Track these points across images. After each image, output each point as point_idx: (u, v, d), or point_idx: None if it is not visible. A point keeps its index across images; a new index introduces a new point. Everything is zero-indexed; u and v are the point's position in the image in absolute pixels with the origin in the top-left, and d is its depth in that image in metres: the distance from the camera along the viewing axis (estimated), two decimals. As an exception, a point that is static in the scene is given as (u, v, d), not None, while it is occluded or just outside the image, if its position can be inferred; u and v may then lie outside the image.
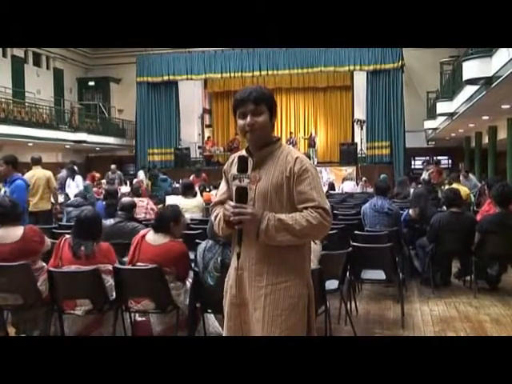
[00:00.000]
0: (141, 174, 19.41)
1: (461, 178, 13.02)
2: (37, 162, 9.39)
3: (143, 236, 4.65)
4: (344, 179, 17.33)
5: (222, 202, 2.63)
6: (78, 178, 13.86)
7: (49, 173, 9.40)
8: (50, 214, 9.47)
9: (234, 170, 2.56)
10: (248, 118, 2.47)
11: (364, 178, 17.37)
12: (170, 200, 9.15)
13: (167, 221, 4.64)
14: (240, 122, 2.51)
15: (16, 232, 4.69)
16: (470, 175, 15.19)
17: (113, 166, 17.66)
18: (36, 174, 9.17)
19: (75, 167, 14.21)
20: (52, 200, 9.45)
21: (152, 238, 4.61)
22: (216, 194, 2.83)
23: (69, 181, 13.46)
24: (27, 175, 9.24)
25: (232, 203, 2.43)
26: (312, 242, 4.41)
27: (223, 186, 2.73)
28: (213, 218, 2.66)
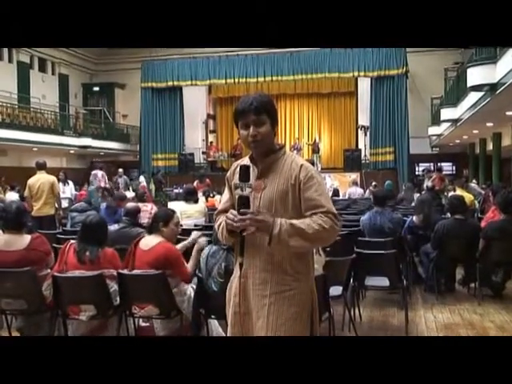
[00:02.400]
0: (142, 180, 19.45)
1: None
2: (41, 167, 9.43)
3: (137, 243, 4.68)
4: (352, 183, 17.24)
5: (225, 211, 2.61)
6: (71, 183, 14.56)
7: (53, 178, 9.43)
8: (54, 219, 9.50)
9: (237, 179, 2.56)
10: (251, 130, 2.46)
11: (374, 183, 17.29)
12: (172, 205, 9.15)
13: (157, 221, 4.72)
14: (243, 132, 2.50)
15: (22, 240, 4.71)
16: (472, 184, 15.16)
17: (120, 170, 17.73)
18: (40, 179, 9.20)
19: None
20: (56, 205, 9.49)
21: (144, 242, 4.65)
22: (220, 201, 2.83)
23: (63, 187, 13.76)
24: (31, 180, 9.28)
25: (235, 212, 2.40)
26: (317, 254, 4.42)
27: (226, 193, 2.72)
28: (216, 226, 2.65)
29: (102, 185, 15.04)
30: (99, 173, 15.95)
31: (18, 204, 5.20)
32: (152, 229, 4.73)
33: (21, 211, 4.88)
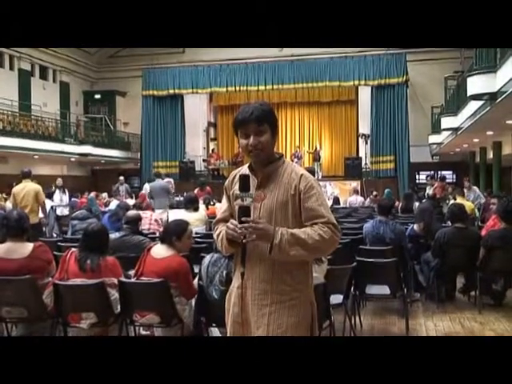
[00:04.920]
0: (146, 187, 19.45)
1: (464, 189, 13.12)
2: (27, 175, 9.48)
3: (149, 249, 4.68)
4: (353, 191, 17.23)
5: (224, 220, 2.61)
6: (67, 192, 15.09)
7: (38, 187, 9.49)
8: (40, 228, 9.52)
9: (236, 189, 2.55)
10: (251, 139, 2.47)
11: (375, 193, 17.27)
12: (172, 213, 9.13)
13: (170, 234, 4.69)
14: (243, 141, 2.51)
15: (25, 248, 4.71)
16: (474, 187, 15.21)
17: (121, 178, 17.74)
18: (25, 188, 9.24)
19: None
20: (40, 214, 9.51)
21: (156, 250, 4.64)
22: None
23: (60, 195, 13.95)
24: (16, 189, 9.31)
25: (235, 222, 2.41)
26: (318, 263, 4.41)
27: (224, 203, 2.71)
28: (215, 236, 2.64)
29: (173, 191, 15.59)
30: (172, 180, 17.10)
31: (18, 211, 5.23)
32: (164, 240, 4.71)
33: (22, 218, 4.90)
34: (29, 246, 4.74)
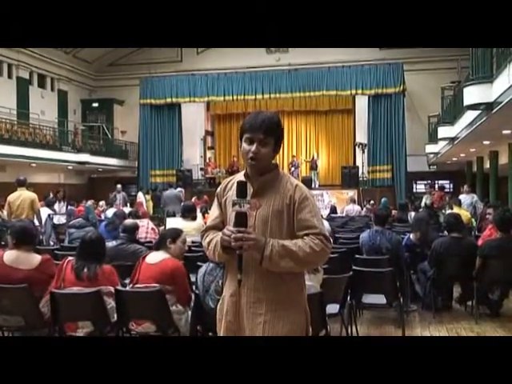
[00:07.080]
0: (140, 196, 19.49)
1: (463, 194, 13.23)
2: (22, 183, 9.55)
3: (144, 257, 4.71)
4: (350, 200, 17.24)
5: (214, 228, 2.62)
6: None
7: (33, 195, 9.55)
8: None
9: (230, 196, 2.55)
10: (253, 147, 2.49)
11: (372, 202, 17.25)
12: (170, 222, 9.13)
13: (165, 237, 4.77)
14: (245, 146, 2.52)
15: (33, 259, 4.72)
16: (473, 194, 15.32)
17: (118, 186, 17.73)
18: (21, 196, 9.28)
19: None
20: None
21: (151, 257, 4.68)
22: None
23: (58, 205, 14.24)
24: (12, 197, 9.34)
25: (232, 228, 2.41)
26: (312, 272, 4.42)
27: (215, 210, 2.70)
28: (205, 243, 2.63)
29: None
30: (183, 190, 18.09)
31: (26, 221, 5.23)
32: (159, 246, 4.77)
33: (25, 227, 4.96)
34: (36, 258, 4.74)
